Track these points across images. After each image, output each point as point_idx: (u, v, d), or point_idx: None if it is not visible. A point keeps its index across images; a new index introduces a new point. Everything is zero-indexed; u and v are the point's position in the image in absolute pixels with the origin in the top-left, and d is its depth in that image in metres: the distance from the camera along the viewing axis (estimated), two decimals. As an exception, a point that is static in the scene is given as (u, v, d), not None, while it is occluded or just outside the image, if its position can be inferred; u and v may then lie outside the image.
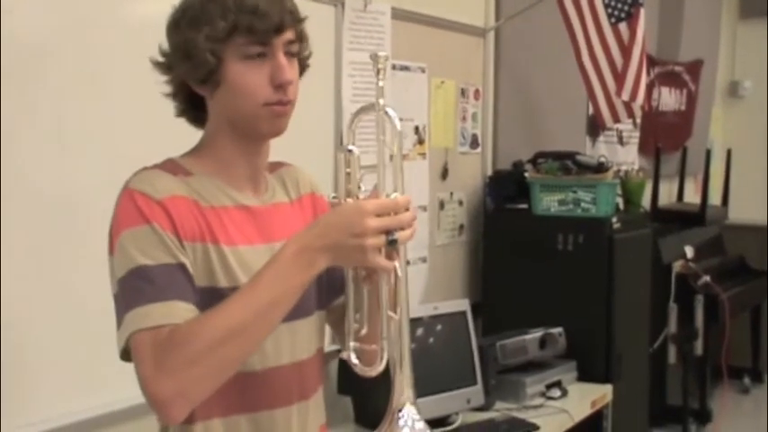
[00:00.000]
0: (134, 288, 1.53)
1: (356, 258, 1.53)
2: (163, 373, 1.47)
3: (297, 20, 1.66)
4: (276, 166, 1.82)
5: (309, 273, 1.52)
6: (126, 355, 1.56)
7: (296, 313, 1.62)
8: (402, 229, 1.52)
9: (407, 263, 1.60)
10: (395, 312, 1.56)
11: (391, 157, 1.56)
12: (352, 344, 1.62)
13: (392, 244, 1.52)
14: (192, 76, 1.63)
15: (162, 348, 1.48)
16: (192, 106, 1.70)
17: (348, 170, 1.60)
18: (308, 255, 1.51)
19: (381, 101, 1.57)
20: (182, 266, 1.56)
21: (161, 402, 1.48)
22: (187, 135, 1.74)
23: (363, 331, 1.62)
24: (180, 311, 1.52)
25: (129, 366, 1.65)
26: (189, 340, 1.47)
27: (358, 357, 1.64)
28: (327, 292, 1.79)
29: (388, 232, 1.51)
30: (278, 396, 1.68)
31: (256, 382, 1.64)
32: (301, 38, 1.69)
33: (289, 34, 1.63)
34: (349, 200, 1.58)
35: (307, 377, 1.74)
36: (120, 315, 1.55)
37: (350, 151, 1.60)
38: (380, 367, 1.59)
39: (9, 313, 2.31)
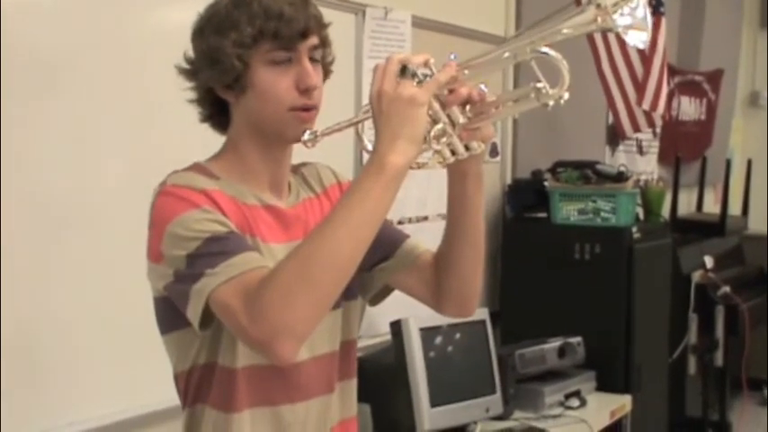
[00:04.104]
0: (205, 256, 1.50)
1: (408, 111, 1.47)
2: (258, 314, 1.43)
3: (321, 25, 1.68)
4: (297, 167, 1.83)
5: (385, 173, 1.45)
6: (205, 322, 1.54)
7: None
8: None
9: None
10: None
11: None
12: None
13: (416, 79, 1.49)
14: (219, 82, 1.65)
15: (252, 290, 1.45)
16: (217, 112, 1.72)
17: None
18: (375, 161, 1.47)
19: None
20: (244, 237, 1.57)
21: (266, 344, 1.43)
22: (206, 142, 1.75)
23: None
24: (259, 258, 1.52)
25: (165, 368, 1.68)
26: (276, 274, 1.45)
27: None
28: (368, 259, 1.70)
29: (407, 72, 1.49)
30: (298, 391, 1.69)
31: (278, 376, 1.65)
32: (325, 43, 1.70)
33: (314, 39, 1.65)
34: None
35: (329, 371, 1.75)
36: (188, 287, 1.52)
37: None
38: None
39: (47, 316, 2.36)
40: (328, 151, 1.78)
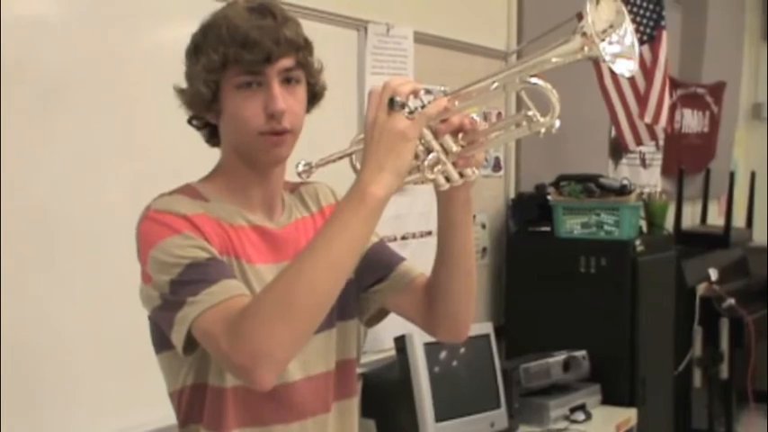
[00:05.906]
0: (187, 283, 1.52)
1: (396, 144, 1.48)
2: (238, 338, 1.44)
3: (296, 47, 1.64)
4: (296, 186, 1.83)
5: (365, 204, 1.47)
6: (189, 347, 1.55)
7: None
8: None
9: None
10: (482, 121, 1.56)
11: None
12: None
13: (398, 105, 1.49)
14: (195, 105, 1.67)
15: (233, 317, 1.46)
16: (210, 133, 1.73)
17: None
18: (357, 190, 1.47)
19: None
20: (225, 263, 1.58)
21: (246, 369, 1.44)
22: (209, 160, 1.76)
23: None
24: (239, 286, 1.54)
25: (164, 387, 1.68)
26: (257, 302, 1.47)
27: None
28: (362, 278, 1.76)
29: (395, 104, 1.48)
30: (291, 411, 1.69)
31: (270, 396, 1.64)
32: (304, 64, 1.67)
33: (285, 62, 1.62)
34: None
35: (324, 391, 1.74)
36: (172, 314, 1.54)
37: None
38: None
39: (46, 334, 2.36)
40: (329, 171, 1.78)
